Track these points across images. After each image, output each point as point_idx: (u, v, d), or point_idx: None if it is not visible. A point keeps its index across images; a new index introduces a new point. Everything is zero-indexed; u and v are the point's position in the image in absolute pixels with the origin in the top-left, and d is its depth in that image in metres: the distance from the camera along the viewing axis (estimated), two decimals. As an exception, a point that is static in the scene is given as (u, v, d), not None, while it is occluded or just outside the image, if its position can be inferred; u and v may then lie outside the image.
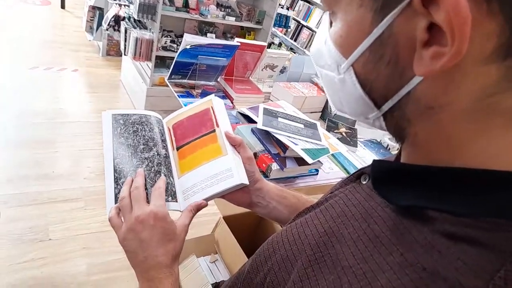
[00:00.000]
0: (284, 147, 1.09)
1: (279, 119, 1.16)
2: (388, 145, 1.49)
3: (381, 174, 0.38)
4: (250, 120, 1.24)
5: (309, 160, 1.03)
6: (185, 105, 1.57)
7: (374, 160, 0.39)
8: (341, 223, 0.38)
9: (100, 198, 2.18)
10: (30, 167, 2.29)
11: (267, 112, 1.17)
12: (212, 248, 1.77)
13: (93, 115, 3.00)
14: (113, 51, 4.06)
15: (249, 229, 1.89)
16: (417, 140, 0.34)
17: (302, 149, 1.05)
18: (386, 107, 0.34)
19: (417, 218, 0.32)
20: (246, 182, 0.64)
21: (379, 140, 1.53)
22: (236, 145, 0.67)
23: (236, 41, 1.45)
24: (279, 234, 0.45)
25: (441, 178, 0.32)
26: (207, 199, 0.66)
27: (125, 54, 3.07)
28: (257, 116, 1.14)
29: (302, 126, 1.17)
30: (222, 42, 1.41)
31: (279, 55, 1.58)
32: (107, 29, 3.33)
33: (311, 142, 1.10)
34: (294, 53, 4.21)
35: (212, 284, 1.60)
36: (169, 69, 1.47)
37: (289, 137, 1.09)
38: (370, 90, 0.34)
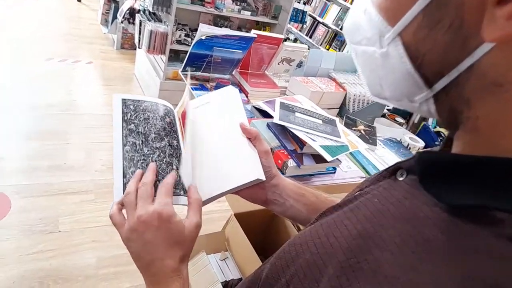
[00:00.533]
0: (301, 143, 1.04)
1: (297, 114, 1.11)
2: (408, 145, 1.43)
3: (430, 167, 0.32)
4: (265, 115, 1.19)
5: (328, 157, 0.97)
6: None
7: (420, 152, 0.34)
8: (379, 225, 0.32)
9: (110, 191, 2.13)
10: (42, 158, 2.28)
11: (284, 106, 1.12)
12: (223, 245, 1.73)
13: (106, 108, 2.99)
14: (128, 44, 4.06)
15: (261, 227, 1.84)
16: (477, 126, 0.28)
17: (320, 145, 1.00)
18: (439, 85, 0.29)
19: (477, 219, 0.27)
20: (263, 177, 0.60)
21: (399, 139, 1.46)
22: (252, 138, 0.63)
23: (253, 33, 1.40)
24: (302, 235, 0.40)
25: (508, 172, 0.26)
26: (220, 196, 0.61)
27: (139, 47, 3.05)
28: (274, 111, 1.09)
29: (320, 121, 1.11)
30: (238, 33, 1.36)
31: (296, 49, 1.53)
32: (121, 22, 3.32)
33: (330, 139, 1.05)
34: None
35: (221, 283, 1.56)
36: (183, 63, 1.43)
37: (307, 133, 1.03)
38: (421, 64, 0.29)
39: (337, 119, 1.17)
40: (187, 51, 1.37)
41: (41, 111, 2.72)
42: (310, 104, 1.21)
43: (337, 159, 1.03)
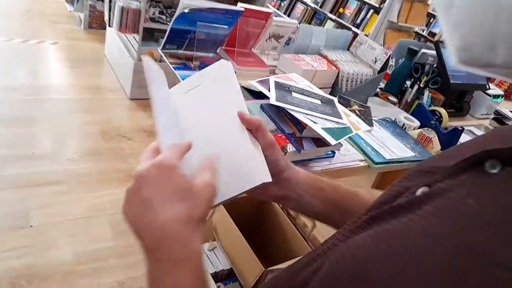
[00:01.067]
0: (300, 126, 0.96)
1: (293, 94, 1.01)
2: (404, 124, 1.37)
3: None
4: (255, 95, 1.09)
5: (331, 141, 0.90)
6: (182, 78, 1.42)
7: None
8: (487, 235, 0.24)
9: (85, 181, 2.03)
10: (8, 148, 2.09)
11: (279, 86, 1.02)
12: (210, 235, 1.64)
13: (76, 92, 2.79)
14: (96, 23, 3.80)
15: (250, 213, 1.77)
16: None
17: (322, 128, 0.92)
18: None
19: None
20: (268, 179, 0.48)
21: (393, 119, 1.40)
22: (253, 129, 0.50)
23: (239, 6, 1.29)
24: (358, 247, 0.32)
25: None
26: (216, 206, 0.51)
27: (109, 26, 2.84)
28: (269, 91, 0.99)
29: (319, 102, 1.03)
30: (224, 6, 1.24)
31: (285, 24, 1.42)
32: (89, -2, 3.08)
33: (331, 121, 0.97)
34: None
35: (211, 274, 1.48)
36: (158, 42, 1.31)
37: (306, 114, 0.95)
38: None
39: (336, 99, 1.09)
40: (162, 30, 1.25)
41: (3, 96, 2.50)
42: (306, 83, 1.12)
43: (339, 142, 0.95)
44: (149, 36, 2.98)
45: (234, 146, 0.51)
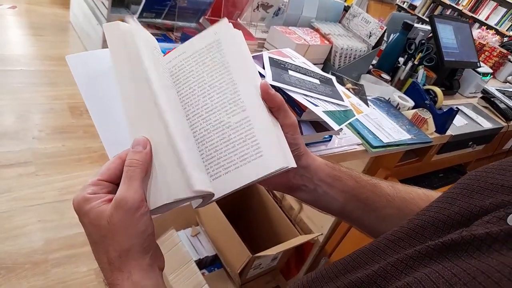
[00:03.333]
0: (299, 109, 0.86)
1: (290, 72, 0.91)
2: (398, 104, 1.31)
3: None
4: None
5: (335, 126, 0.81)
6: (163, 52, 1.28)
7: None
8: None
9: (54, 161, 1.87)
10: (-37, 125, 1.90)
11: (274, 63, 0.92)
12: (193, 219, 1.57)
13: (39, 62, 2.56)
14: (59, -14, 3.47)
15: (234, 194, 1.69)
16: None
17: (323, 111, 0.83)
18: None
19: None
20: (293, 164, 0.42)
21: (387, 99, 1.34)
22: (274, 108, 0.44)
23: (226, -30, 1.15)
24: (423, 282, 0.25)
25: None
26: (231, 192, 0.43)
27: (74, -11, 2.58)
28: (263, 68, 0.89)
29: (317, 81, 0.93)
30: (209, -30, 1.10)
31: (275, -7, 1.30)
32: (49, -43, 2.78)
33: (332, 103, 0.88)
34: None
35: (195, 261, 1.41)
36: (129, 8, 1.16)
37: (306, 95, 0.86)
38: None
39: (334, 78, 1.00)
40: None
41: (-45, 67, 2.26)
42: (302, 60, 1.02)
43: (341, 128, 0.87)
44: (119, 1, 2.74)
45: (252, 122, 0.43)
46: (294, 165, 0.43)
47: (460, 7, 4.99)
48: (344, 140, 1.06)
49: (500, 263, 0.23)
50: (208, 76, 0.47)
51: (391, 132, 1.15)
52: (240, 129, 0.43)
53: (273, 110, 0.44)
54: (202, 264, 1.44)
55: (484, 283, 0.22)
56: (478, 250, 0.25)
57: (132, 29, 0.44)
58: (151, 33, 1.25)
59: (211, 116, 0.45)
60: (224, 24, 0.49)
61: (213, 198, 0.42)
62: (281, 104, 0.44)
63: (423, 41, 1.48)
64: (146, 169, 0.37)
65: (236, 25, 1.31)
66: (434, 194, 0.50)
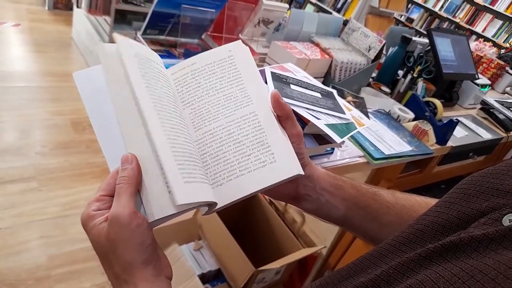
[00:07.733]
0: (302, 122, 0.88)
1: (292, 86, 0.93)
2: (398, 116, 1.32)
3: None
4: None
5: (337, 139, 0.82)
6: (166, 67, 1.30)
7: None
8: None
9: (57, 176, 1.88)
10: (-33, 141, 1.91)
11: (276, 77, 0.93)
12: (195, 233, 1.56)
13: (42, 79, 2.59)
14: (62, 3, 3.55)
15: (236, 208, 1.69)
16: None
17: (326, 124, 0.85)
18: None
19: None
20: (302, 172, 0.44)
21: (387, 111, 1.35)
22: (283, 117, 0.46)
23: (228, -12, 1.18)
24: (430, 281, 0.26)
25: None
26: (240, 199, 0.44)
27: (77, 7, 2.64)
28: (266, 83, 0.90)
29: (319, 95, 0.95)
30: (211, -12, 1.13)
31: (275, 8, 1.33)
32: (53, -24, 2.84)
33: (334, 116, 0.90)
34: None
35: (198, 275, 1.40)
36: (131, 25, 1.18)
37: (308, 109, 0.87)
38: None
39: (335, 91, 1.02)
40: (135, 12, 1.13)
41: (-41, 84, 2.28)
42: (303, 74, 1.04)
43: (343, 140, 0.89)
44: (122, 18, 2.79)
45: (261, 130, 0.45)
46: (303, 173, 0.44)
47: (457, 20, 5.07)
48: (346, 153, 1.07)
49: (496, 262, 0.24)
50: (220, 84, 0.49)
51: (392, 144, 1.16)
52: (253, 135, 0.45)
53: (282, 119, 0.46)
54: (205, 278, 1.43)
55: (481, 281, 0.23)
56: (475, 250, 0.26)
57: (120, 48, 0.45)
58: (154, 49, 1.27)
59: (223, 121, 0.46)
60: (238, 43, 0.53)
61: (228, 203, 0.43)
62: (290, 113, 0.47)
63: (422, 54, 1.51)
64: (135, 182, 0.37)
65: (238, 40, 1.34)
66: (432, 201, 0.51)
